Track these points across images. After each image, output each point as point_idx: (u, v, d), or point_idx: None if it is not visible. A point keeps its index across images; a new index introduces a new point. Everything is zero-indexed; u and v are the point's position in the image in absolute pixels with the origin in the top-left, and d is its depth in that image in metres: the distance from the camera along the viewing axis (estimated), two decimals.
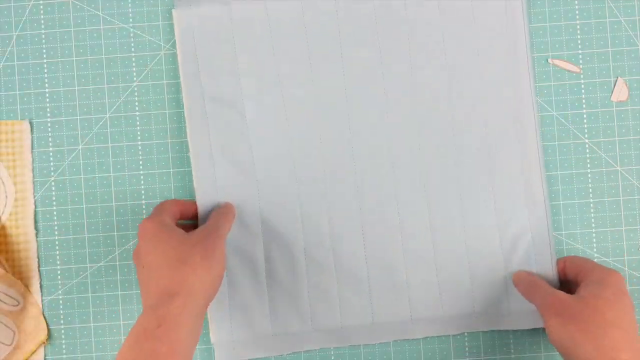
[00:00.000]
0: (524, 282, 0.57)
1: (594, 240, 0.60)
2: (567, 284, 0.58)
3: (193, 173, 0.59)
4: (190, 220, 0.59)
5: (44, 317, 0.60)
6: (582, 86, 0.60)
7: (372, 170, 0.59)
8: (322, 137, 0.60)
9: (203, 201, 0.59)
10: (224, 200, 0.59)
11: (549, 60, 0.61)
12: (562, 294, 0.54)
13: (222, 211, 0.57)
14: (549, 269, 0.59)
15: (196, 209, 0.59)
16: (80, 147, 0.61)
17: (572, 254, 0.60)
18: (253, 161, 0.59)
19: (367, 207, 0.59)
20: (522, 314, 0.59)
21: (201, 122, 0.59)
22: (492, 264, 0.59)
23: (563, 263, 0.58)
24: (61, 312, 0.60)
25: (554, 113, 0.60)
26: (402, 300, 0.59)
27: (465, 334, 0.60)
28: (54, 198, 0.61)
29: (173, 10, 0.60)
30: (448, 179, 0.59)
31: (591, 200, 0.60)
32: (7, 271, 0.60)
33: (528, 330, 0.60)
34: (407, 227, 0.59)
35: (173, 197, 0.60)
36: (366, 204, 0.59)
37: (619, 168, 0.60)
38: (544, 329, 0.59)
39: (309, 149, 0.59)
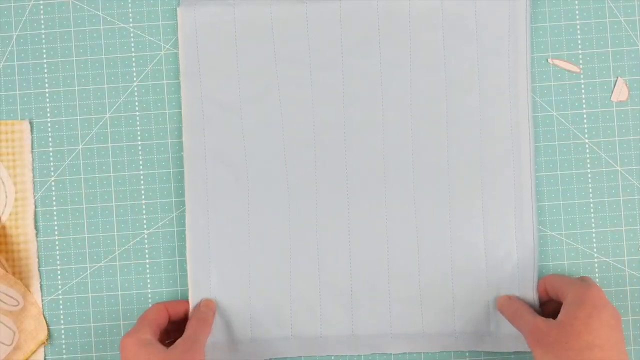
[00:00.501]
0: (508, 309, 0.57)
1: (594, 240, 0.60)
2: (553, 303, 0.58)
3: (185, 172, 0.59)
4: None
5: (44, 317, 0.60)
6: (582, 86, 0.60)
7: (363, 181, 0.59)
8: (317, 145, 0.60)
9: (193, 201, 0.59)
10: (213, 201, 0.59)
11: (549, 60, 0.61)
12: (540, 320, 0.53)
13: (200, 317, 0.57)
14: (531, 296, 0.58)
15: (187, 308, 0.59)
16: (80, 147, 0.61)
17: (572, 254, 0.60)
18: (246, 164, 0.59)
19: (355, 219, 0.59)
20: (503, 335, 0.59)
21: (197, 122, 0.59)
22: (476, 285, 0.59)
23: (543, 284, 0.58)
24: (61, 312, 0.60)
25: (554, 113, 0.60)
26: (383, 314, 0.59)
27: None
28: (54, 198, 0.61)
29: (178, 8, 0.60)
30: (439, 195, 0.59)
31: (591, 200, 0.60)
32: (7, 271, 0.60)
33: None
34: (394, 241, 0.59)
35: (172, 197, 0.60)
36: (355, 215, 0.59)
37: (619, 168, 0.60)
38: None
39: (302, 156, 0.59)
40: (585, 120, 0.60)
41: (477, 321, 0.59)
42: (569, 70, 0.61)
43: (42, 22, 0.61)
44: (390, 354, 0.60)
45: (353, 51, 0.59)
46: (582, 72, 0.61)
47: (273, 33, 0.60)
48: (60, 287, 0.60)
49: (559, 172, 0.60)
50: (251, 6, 0.59)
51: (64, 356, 0.60)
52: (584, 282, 0.54)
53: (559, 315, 0.53)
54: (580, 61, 0.61)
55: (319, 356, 0.60)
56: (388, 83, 0.59)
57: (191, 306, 0.59)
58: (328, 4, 0.59)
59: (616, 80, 0.60)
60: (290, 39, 0.59)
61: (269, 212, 0.59)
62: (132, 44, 0.61)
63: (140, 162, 0.61)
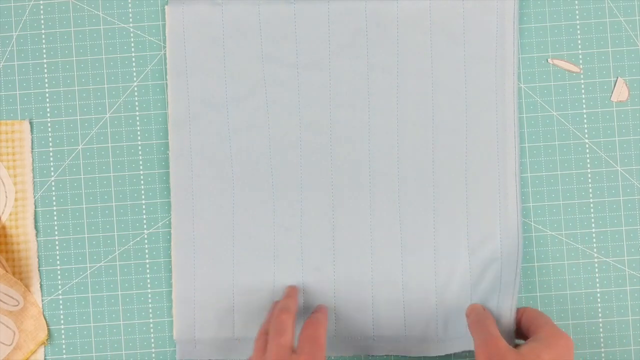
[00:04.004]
0: (476, 315, 0.56)
1: (594, 240, 0.60)
2: (522, 334, 0.58)
3: (170, 171, 0.60)
4: None
5: (44, 317, 0.60)
6: (582, 86, 0.60)
7: (349, 183, 0.59)
8: (302, 146, 0.60)
9: (178, 200, 0.59)
10: (198, 200, 0.59)
11: (549, 60, 0.61)
12: (502, 341, 0.52)
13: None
14: (509, 303, 0.58)
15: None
16: (80, 147, 0.61)
17: (572, 254, 0.60)
18: (231, 163, 0.59)
19: (340, 221, 0.59)
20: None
21: (183, 121, 0.59)
22: (459, 290, 0.59)
23: (521, 314, 0.57)
24: (61, 312, 0.60)
25: (554, 113, 0.60)
26: (366, 317, 0.59)
27: None
28: (54, 198, 0.61)
29: (166, 7, 0.60)
30: (424, 197, 0.59)
31: (591, 200, 0.60)
32: (7, 271, 0.60)
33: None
34: (378, 245, 0.59)
35: (172, 197, 0.60)
36: (340, 218, 0.59)
37: (619, 168, 0.60)
38: None
39: (288, 157, 0.59)
40: (585, 120, 0.60)
41: (458, 327, 0.59)
42: (569, 70, 0.61)
43: (42, 22, 0.61)
44: (375, 355, 0.60)
45: (341, 53, 0.59)
46: (582, 72, 0.61)
47: (261, 33, 0.60)
48: (60, 287, 0.60)
49: (559, 172, 0.60)
50: (239, 6, 0.59)
51: (64, 356, 0.60)
52: (559, 329, 0.54)
53: (523, 347, 0.52)
54: (580, 61, 0.61)
55: None
56: (375, 85, 0.59)
57: (174, 304, 0.59)
58: (316, 5, 0.59)
59: (616, 80, 0.60)
60: (278, 39, 0.60)
61: (253, 212, 0.59)
62: (132, 44, 0.61)
63: (140, 162, 0.61)
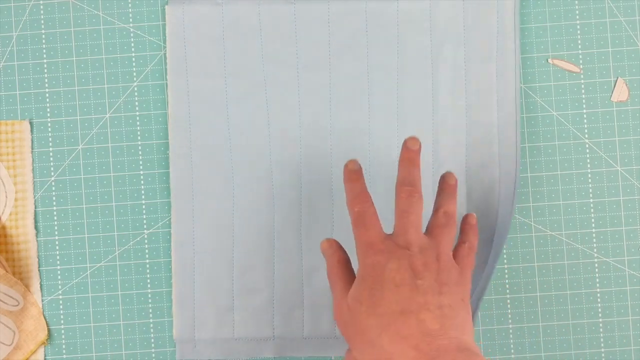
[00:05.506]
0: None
1: (594, 240, 0.60)
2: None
3: (170, 171, 0.60)
4: None
5: (44, 317, 0.60)
6: (582, 86, 0.60)
7: None
8: (302, 145, 0.60)
9: (178, 200, 0.59)
10: (198, 201, 0.59)
11: (549, 60, 0.61)
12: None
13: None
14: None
15: None
16: (80, 147, 0.61)
17: (572, 254, 0.60)
18: (231, 164, 0.60)
19: (340, 223, 0.59)
20: None
21: (184, 122, 0.59)
22: None
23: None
24: (61, 312, 0.60)
25: (554, 113, 0.60)
26: None
27: None
28: (54, 198, 0.61)
29: (166, 7, 0.60)
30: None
31: (591, 200, 0.60)
32: (7, 271, 0.60)
33: (529, 330, 0.60)
34: None
35: (172, 197, 0.60)
36: (338, 218, 0.59)
37: (619, 168, 0.60)
38: (544, 332, 0.60)
39: (288, 156, 0.59)
40: (585, 120, 0.60)
41: None
42: (569, 70, 0.61)
43: (42, 22, 0.61)
44: None
45: (341, 53, 0.59)
46: (582, 72, 0.61)
47: (261, 33, 0.60)
48: (60, 287, 0.60)
49: (559, 172, 0.60)
50: (239, 6, 0.60)
51: (64, 356, 0.60)
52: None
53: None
54: (580, 61, 0.61)
55: (303, 357, 0.60)
56: (375, 85, 0.59)
57: (174, 304, 0.59)
58: (316, 5, 0.59)
59: (616, 80, 0.60)
60: (278, 39, 0.60)
61: (253, 212, 0.59)
62: (132, 44, 0.61)
63: (140, 162, 0.61)
